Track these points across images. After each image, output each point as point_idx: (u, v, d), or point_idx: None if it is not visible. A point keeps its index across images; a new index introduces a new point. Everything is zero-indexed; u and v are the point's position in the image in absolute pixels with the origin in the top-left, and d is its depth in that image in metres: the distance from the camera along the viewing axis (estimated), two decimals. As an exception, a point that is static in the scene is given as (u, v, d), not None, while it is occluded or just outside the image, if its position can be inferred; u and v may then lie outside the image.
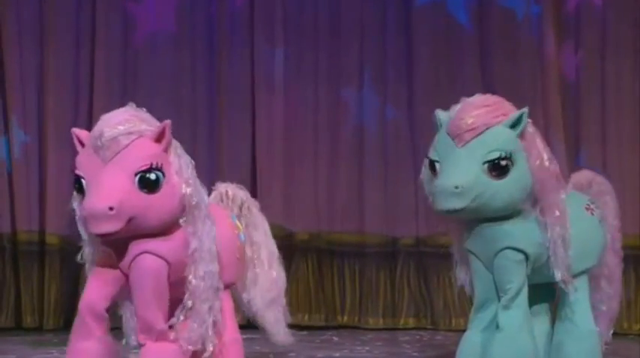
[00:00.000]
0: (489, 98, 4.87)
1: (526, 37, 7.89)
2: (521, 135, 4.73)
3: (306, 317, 7.73)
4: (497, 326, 4.81)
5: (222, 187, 4.93)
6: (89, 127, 7.29)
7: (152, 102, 7.69)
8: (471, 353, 4.86)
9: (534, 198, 4.75)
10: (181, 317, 4.35)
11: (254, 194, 7.58)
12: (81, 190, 4.26)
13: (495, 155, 4.65)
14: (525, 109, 4.74)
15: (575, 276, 4.89)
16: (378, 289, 7.81)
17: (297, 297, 7.70)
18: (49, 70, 7.64)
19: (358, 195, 7.87)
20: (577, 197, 5.09)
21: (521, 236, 4.76)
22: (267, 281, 4.92)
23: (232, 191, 4.97)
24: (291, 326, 7.45)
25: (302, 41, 7.88)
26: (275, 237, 7.47)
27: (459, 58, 7.86)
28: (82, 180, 4.25)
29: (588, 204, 5.05)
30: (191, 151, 7.70)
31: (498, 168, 4.65)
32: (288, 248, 7.70)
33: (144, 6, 7.84)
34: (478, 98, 4.86)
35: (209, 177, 7.62)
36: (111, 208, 4.11)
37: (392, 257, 7.85)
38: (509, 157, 4.67)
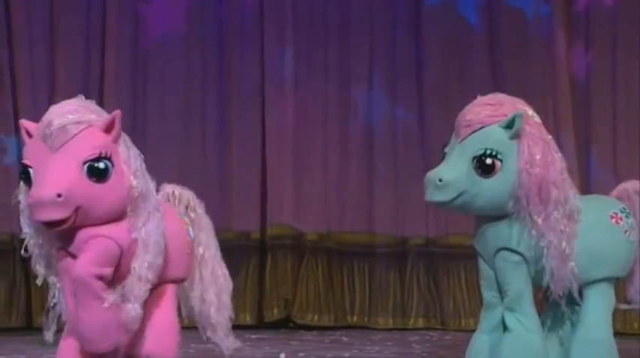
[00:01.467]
0: (496, 97, 4.87)
1: (536, 37, 7.92)
2: (519, 137, 4.70)
3: (316, 317, 7.78)
4: (505, 328, 4.83)
5: (168, 188, 4.89)
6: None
7: (162, 102, 7.82)
8: (480, 353, 4.88)
9: (519, 202, 4.70)
10: (118, 298, 4.30)
11: (264, 194, 7.80)
12: (28, 180, 4.24)
13: (481, 152, 4.67)
14: (520, 112, 4.70)
15: (589, 284, 4.87)
16: (387, 289, 7.84)
17: (306, 298, 7.78)
18: (60, 71, 7.68)
19: (368, 195, 7.90)
20: (605, 203, 5.04)
21: (516, 237, 4.74)
22: (213, 281, 4.85)
23: (179, 191, 4.90)
24: (300, 326, 7.68)
25: (311, 41, 7.92)
26: (285, 237, 7.72)
27: (468, 58, 7.92)
28: (30, 170, 4.22)
29: (616, 213, 4.96)
30: (201, 151, 7.91)
31: (483, 166, 4.67)
32: (298, 248, 7.84)
33: (154, 7, 7.88)
34: (487, 96, 4.88)
35: (219, 177, 7.83)
36: (59, 195, 4.08)
37: (402, 257, 7.88)
38: (494, 156, 4.67)
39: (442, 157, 4.87)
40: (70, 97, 7.37)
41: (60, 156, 4.17)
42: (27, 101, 7.63)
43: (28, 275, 7.55)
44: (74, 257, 4.25)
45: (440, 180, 4.68)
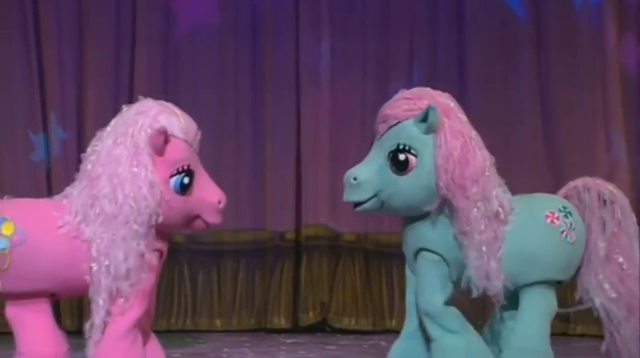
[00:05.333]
0: (415, 91, 4.79)
1: (585, 27, 7.86)
2: (435, 131, 4.60)
3: (353, 321, 7.80)
4: (429, 339, 4.74)
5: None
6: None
7: (194, 97, 7.78)
8: None
9: (442, 200, 4.63)
10: None
11: (299, 193, 7.87)
12: (189, 185, 4.51)
13: (393, 148, 4.63)
14: (433, 104, 4.60)
15: (522, 288, 4.75)
16: (428, 292, 7.86)
17: (343, 300, 7.79)
18: (89, 65, 7.75)
19: (407, 193, 7.92)
20: (542, 202, 4.89)
21: (435, 238, 4.68)
22: None
23: None
24: (337, 330, 7.67)
25: (349, 34, 7.91)
26: (321, 238, 7.72)
27: (513, 50, 7.87)
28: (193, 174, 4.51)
29: (553, 212, 4.80)
30: (234, 149, 7.88)
31: (396, 162, 4.63)
32: (335, 249, 7.84)
33: (186, -2, 7.96)
34: (410, 90, 4.80)
35: (253, 175, 7.77)
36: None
37: (442, 257, 7.90)
38: (407, 151, 4.62)
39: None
40: (99, 93, 7.69)
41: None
42: (55, 98, 7.72)
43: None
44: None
45: (354, 179, 4.67)
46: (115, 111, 7.34)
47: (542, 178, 7.48)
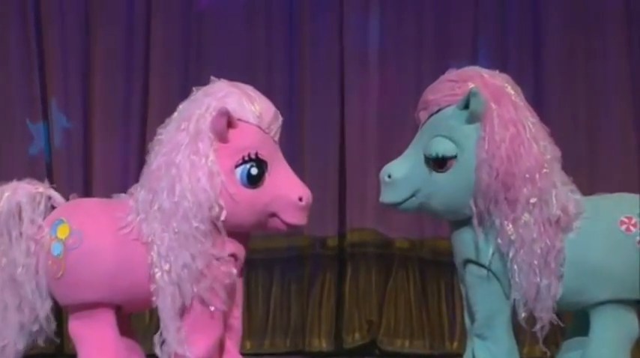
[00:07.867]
0: (464, 71, 4.65)
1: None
2: (481, 120, 4.44)
3: (407, 343, 7.47)
4: None
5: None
6: (145, 111, 6.93)
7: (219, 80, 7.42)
8: None
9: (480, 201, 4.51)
10: None
11: (342, 192, 7.59)
12: (259, 177, 4.47)
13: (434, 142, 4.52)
14: (474, 88, 4.44)
15: (592, 308, 4.62)
16: (495, 309, 7.55)
17: (395, 319, 7.47)
18: (96, 43, 7.54)
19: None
20: (619, 205, 4.70)
21: (482, 247, 4.55)
22: None
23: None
24: (388, 353, 7.52)
25: (402, 7, 7.63)
26: (368, 244, 7.59)
27: (599, 32, 7.58)
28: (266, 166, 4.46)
29: (630, 217, 4.63)
30: None
31: (436, 158, 4.54)
32: (385, 258, 7.52)
33: (209, -37, 7.63)
34: (459, 70, 4.70)
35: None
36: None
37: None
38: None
39: None
40: (108, 75, 7.40)
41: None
42: (57, 79, 7.49)
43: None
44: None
45: (389, 177, 4.59)
46: (127, 95, 7.31)
47: (631, 171, 7.25)
